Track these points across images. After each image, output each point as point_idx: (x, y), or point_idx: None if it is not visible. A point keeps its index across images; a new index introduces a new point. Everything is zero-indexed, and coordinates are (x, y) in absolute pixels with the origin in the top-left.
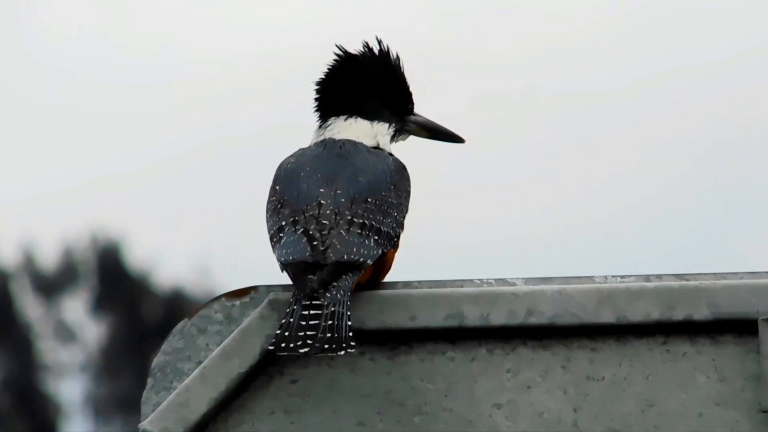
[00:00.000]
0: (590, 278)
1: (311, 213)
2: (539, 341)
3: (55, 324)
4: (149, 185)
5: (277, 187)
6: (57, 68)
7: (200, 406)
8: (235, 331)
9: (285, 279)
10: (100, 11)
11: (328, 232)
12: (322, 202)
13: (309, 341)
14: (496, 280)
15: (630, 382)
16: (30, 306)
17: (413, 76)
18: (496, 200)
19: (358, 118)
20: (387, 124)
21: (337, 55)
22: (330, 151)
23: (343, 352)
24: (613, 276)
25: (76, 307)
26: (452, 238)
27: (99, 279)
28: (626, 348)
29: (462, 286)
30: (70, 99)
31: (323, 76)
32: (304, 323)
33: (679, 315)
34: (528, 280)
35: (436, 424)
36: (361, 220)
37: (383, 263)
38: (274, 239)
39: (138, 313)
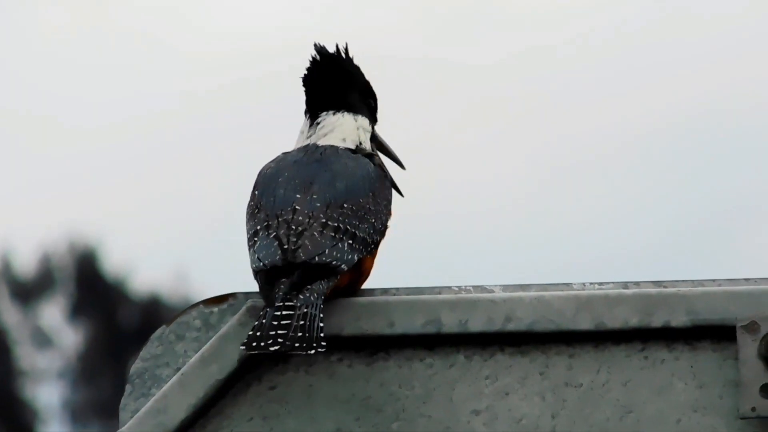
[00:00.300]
0: (568, 285)
1: (285, 218)
2: (517, 348)
3: (33, 330)
4: (127, 192)
5: (256, 192)
6: (34, 74)
7: (179, 412)
8: (214, 338)
9: None
10: (67, 13)
11: (301, 233)
12: (297, 207)
13: (280, 339)
14: (474, 287)
15: (608, 388)
16: (7, 312)
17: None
18: (480, 209)
19: (346, 113)
20: (368, 121)
21: (318, 52)
22: (310, 156)
23: (313, 351)
24: (591, 283)
25: (53, 313)
26: (430, 245)
27: (76, 285)
28: (604, 354)
29: (440, 293)
30: (47, 105)
31: (308, 73)
32: (275, 323)
33: (657, 322)
34: (506, 287)
35: (414, 430)
36: (336, 224)
37: (362, 270)
38: (250, 243)
39: (115, 319)
